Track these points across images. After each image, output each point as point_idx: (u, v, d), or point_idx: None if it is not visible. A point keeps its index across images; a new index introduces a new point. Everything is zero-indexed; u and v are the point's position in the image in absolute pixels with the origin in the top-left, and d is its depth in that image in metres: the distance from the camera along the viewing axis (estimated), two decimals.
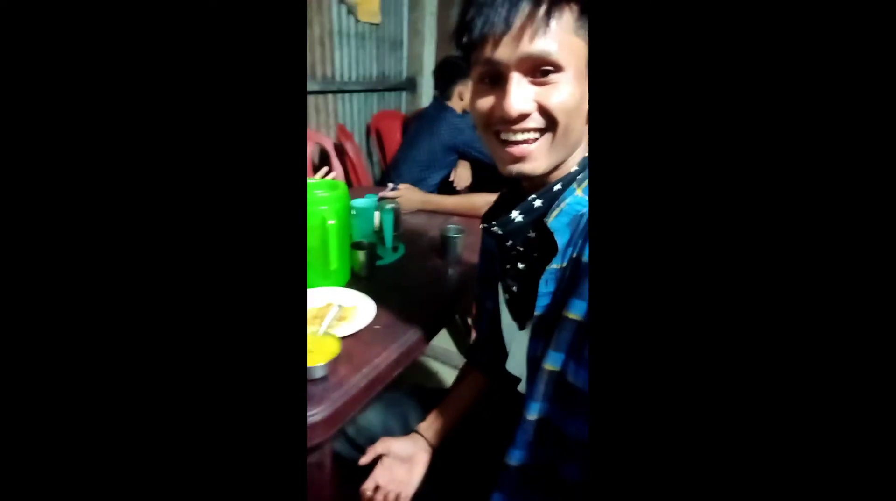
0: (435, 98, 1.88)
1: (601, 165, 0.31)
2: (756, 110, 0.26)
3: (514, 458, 0.57)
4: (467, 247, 1.06)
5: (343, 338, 0.71)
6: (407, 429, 0.77)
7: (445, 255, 1.05)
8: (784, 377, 0.26)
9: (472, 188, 1.90)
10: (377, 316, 0.80)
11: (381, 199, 1.25)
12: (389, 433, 0.77)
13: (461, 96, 1.78)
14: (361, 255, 0.94)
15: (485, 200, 1.34)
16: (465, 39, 0.48)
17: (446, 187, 1.84)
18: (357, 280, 0.95)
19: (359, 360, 0.70)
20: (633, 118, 0.29)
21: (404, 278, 0.99)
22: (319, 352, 0.65)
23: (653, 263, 0.28)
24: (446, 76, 1.79)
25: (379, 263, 1.02)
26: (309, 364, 0.63)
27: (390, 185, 1.37)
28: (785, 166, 0.26)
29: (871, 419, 0.25)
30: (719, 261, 0.27)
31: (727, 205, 0.27)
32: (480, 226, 0.60)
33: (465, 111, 1.82)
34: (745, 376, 0.27)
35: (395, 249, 1.09)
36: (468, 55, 0.50)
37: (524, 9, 0.44)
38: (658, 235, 0.28)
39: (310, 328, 0.73)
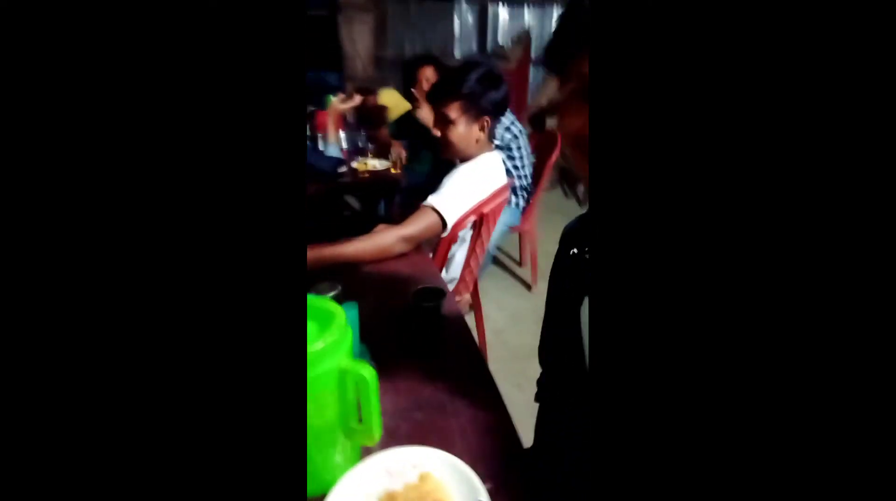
0: None
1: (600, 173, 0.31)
2: (754, 119, 0.27)
3: None
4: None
5: None
6: None
7: (426, 331, 0.81)
8: (784, 377, 0.26)
9: (309, 212, 1.54)
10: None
11: None
12: None
13: None
14: None
15: (394, 235, 1.09)
16: (560, 54, 0.48)
17: None
18: None
19: None
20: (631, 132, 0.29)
21: (400, 392, 0.71)
22: None
23: (652, 265, 0.29)
24: None
25: None
26: None
27: None
28: (783, 167, 0.27)
29: (871, 420, 0.25)
30: (720, 262, 0.28)
31: (726, 210, 0.28)
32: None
33: None
34: (744, 376, 0.27)
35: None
36: (562, 70, 0.49)
37: None
38: (657, 238, 0.29)
39: None
